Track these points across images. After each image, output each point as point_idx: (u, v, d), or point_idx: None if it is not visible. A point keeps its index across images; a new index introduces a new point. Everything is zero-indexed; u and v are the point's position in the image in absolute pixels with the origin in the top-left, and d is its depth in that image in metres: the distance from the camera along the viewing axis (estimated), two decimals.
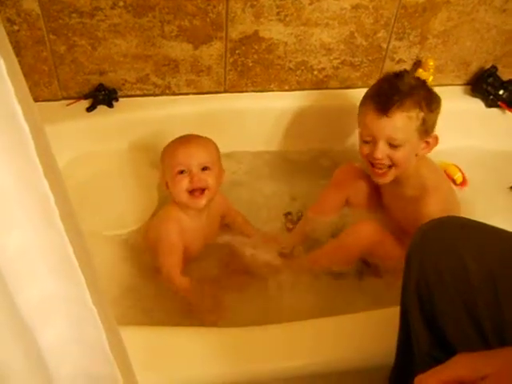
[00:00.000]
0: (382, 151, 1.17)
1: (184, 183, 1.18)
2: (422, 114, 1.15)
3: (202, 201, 1.20)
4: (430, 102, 1.17)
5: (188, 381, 0.95)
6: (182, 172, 1.18)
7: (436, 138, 1.21)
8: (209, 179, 1.19)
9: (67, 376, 0.61)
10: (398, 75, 1.20)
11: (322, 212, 1.38)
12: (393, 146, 1.17)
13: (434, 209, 1.14)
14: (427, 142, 1.20)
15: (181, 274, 1.20)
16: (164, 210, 1.28)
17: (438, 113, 1.19)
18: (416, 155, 1.20)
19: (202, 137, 1.24)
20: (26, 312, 0.53)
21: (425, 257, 0.78)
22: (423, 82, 1.20)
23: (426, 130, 1.18)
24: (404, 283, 0.81)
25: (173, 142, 1.24)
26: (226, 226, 1.38)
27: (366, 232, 1.25)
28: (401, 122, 1.14)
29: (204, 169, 1.19)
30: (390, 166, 1.20)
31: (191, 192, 1.19)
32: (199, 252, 1.30)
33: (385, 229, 1.27)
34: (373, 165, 1.22)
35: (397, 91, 1.15)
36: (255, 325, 1.02)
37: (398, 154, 1.17)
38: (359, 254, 1.26)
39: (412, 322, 0.79)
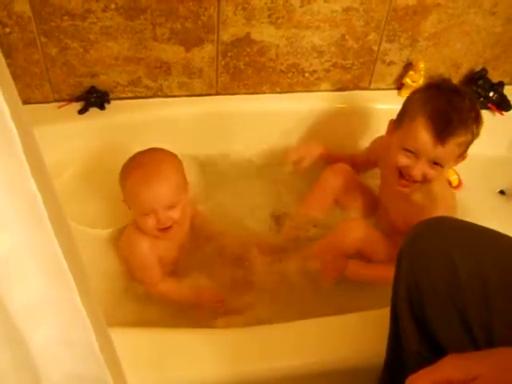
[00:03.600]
0: (420, 170, 1.13)
1: (151, 223, 1.14)
2: (470, 139, 1.12)
3: (171, 234, 1.18)
4: (478, 126, 1.13)
5: (188, 381, 0.95)
6: (146, 214, 1.14)
7: (464, 158, 1.17)
8: (175, 215, 1.15)
9: (57, 378, 0.61)
10: (456, 92, 1.12)
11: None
12: (433, 164, 1.13)
13: None
14: (457, 161, 1.17)
15: (163, 280, 1.21)
16: (130, 231, 1.22)
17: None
18: None
19: (162, 168, 1.14)
20: (15, 314, 0.53)
21: (415, 258, 0.78)
22: (474, 103, 1.14)
23: (465, 152, 1.15)
24: (394, 284, 0.81)
25: (132, 173, 1.14)
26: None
27: (352, 229, 1.25)
28: (451, 149, 1.11)
29: (169, 207, 1.14)
30: (418, 181, 1.16)
31: (159, 229, 1.16)
32: (178, 257, 1.28)
33: (373, 227, 1.27)
34: (401, 174, 1.17)
35: (456, 116, 1.09)
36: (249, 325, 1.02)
37: (433, 173, 1.13)
38: (348, 252, 1.26)
39: (402, 322, 0.79)
